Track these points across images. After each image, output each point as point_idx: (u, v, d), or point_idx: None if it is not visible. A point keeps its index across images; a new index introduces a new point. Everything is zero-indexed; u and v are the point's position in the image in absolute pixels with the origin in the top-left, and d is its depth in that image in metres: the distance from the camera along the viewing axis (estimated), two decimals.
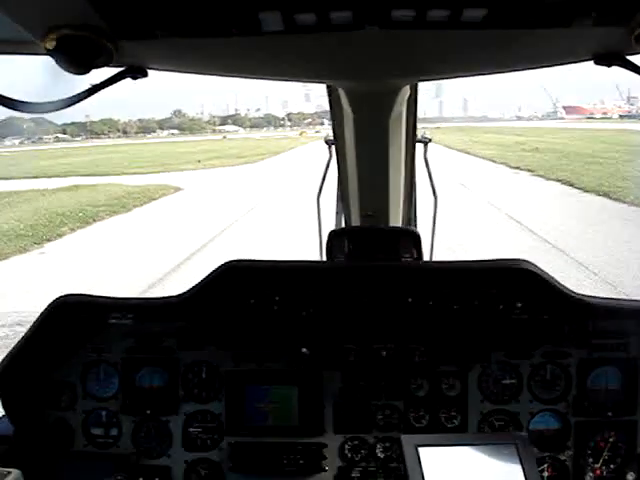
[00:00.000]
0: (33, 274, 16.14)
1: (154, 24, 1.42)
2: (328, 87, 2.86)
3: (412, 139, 3.43)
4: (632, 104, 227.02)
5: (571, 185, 29.65)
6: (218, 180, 40.40)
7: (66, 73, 1.52)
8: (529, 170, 37.54)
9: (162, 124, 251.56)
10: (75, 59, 1.49)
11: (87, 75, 1.58)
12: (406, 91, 2.59)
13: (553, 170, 35.54)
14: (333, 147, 3.66)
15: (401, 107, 2.74)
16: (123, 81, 1.77)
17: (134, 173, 47.21)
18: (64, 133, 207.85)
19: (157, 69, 1.83)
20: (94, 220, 25.15)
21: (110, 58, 1.54)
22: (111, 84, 1.75)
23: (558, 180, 31.85)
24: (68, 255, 18.61)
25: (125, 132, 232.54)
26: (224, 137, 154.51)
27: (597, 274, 13.65)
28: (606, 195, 25.53)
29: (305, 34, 1.50)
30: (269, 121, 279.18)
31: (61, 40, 1.42)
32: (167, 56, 1.77)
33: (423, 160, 4.03)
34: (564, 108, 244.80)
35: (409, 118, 3.09)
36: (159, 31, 1.45)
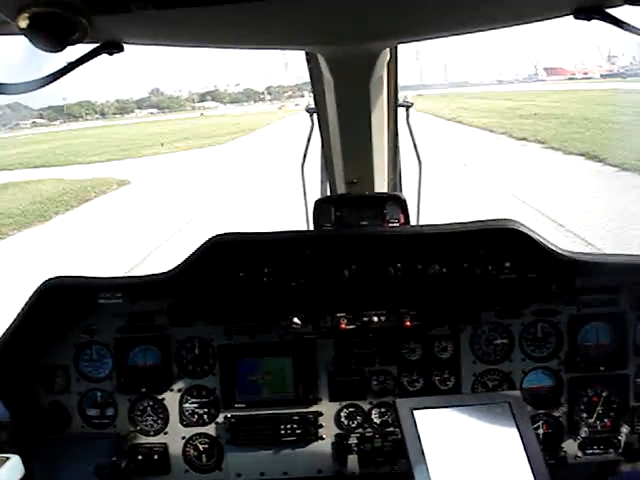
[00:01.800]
0: None
1: None
2: (307, 54, 2.78)
3: (394, 104, 3.35)
4: (613, 63, 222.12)
5: (600, 160, 23.08)
6: (176, 167, 34.82)
7: (41, 52, 1.45)
8: (539, 141, 31.00)
9: (140, 103, 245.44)
10: (49, 37, 1.42)
11: (63, 53, 1.50)
12: (386, 55, 2.42)
13: (567, 140, 29.23)
14: (315, 116, 3.59)
15: (381, 71, 2.62)
16: (101, 62, 1.74)
17: (88, 162, 42.63)
18: (41, 118, 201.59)
19: (133, 43, 1.76)
20: None
21: (85, 34, 1.46)
22: (87, 60, 1.68)
23: (581, 154, 25.24)
24: None
25: (103, 114, 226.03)
26: (201, 114, 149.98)
27: None
28: None
29: (280, 0, 1.47)
30: (249, 95, 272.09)
31: (34, 18, 1.35)
32: (142, 30, 1.70)
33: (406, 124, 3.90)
34: (545, 70, 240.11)
35: (390, 82, 3.01)
36: (133, 4, 1.38)
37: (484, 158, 27.02)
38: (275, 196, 20.00)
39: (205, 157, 39.78)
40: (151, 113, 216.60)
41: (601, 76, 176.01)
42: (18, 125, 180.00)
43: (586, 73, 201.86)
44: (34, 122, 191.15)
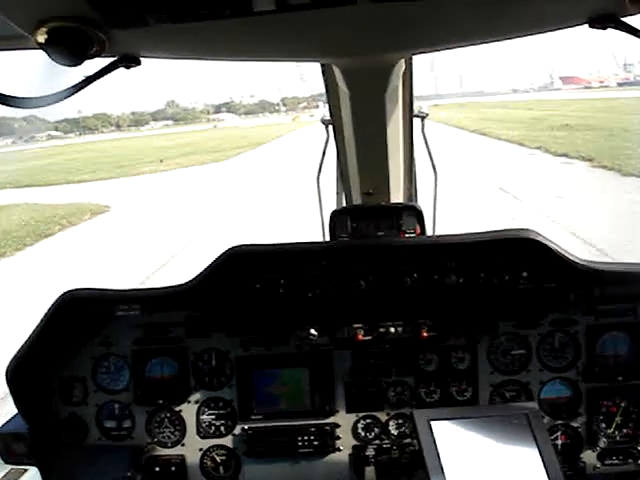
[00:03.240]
0: None
1: (145, 11, 1.38)
2: (322, 66, 2.85)
3: (409, 114, 3.37)
4: (629, 71, 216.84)
5: None
6: (171, 188, 30.50)
7: (59, 66, 1.47)
8: (584, 158, 26.08)
9: (156, 115, 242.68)
10: (67, 51, 1.44)
11: (80, 67, 1.54)
12: (401, 65, 2.48)
13: (618, 156, 24.40)
14: (330, 127, 3.60)
15: (397, 82, 2.67)
16: (117, 75, 1.75)
17: (79, 181, 39.04)
18: (56, 130, 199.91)
19: (151, 57, 1.78)
20: None
21: (102, 48, 1.50)
22: (105, 74, 1.70)
23: None
24: None
25: (118, 126, 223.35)
26: (214, 126, 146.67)
27: None
28: None
29: (297, 12, 1.46)
30: (264, 107, 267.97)
31: (52, 33, 1.38)
32: (160, 43, 1.71)
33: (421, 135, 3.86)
34: (561, 78, 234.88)
35: (405, 93, 3.05)
36: (151, 18, 1.40)
37: (522, 179, 22.24)
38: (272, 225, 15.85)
39: (205, 175, 35.52)
40: (166, 125, 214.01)
41: (618, 84, 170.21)
42: (34, 138, 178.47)
43: (602, 82, 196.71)
44: (49, 135, 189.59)
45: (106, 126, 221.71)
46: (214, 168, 39.92)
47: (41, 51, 1.43)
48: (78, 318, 2.91)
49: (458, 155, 29.02)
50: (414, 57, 2.70)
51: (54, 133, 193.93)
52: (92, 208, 24.85)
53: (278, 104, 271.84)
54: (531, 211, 16.42)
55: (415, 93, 3.26)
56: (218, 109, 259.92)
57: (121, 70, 1.72)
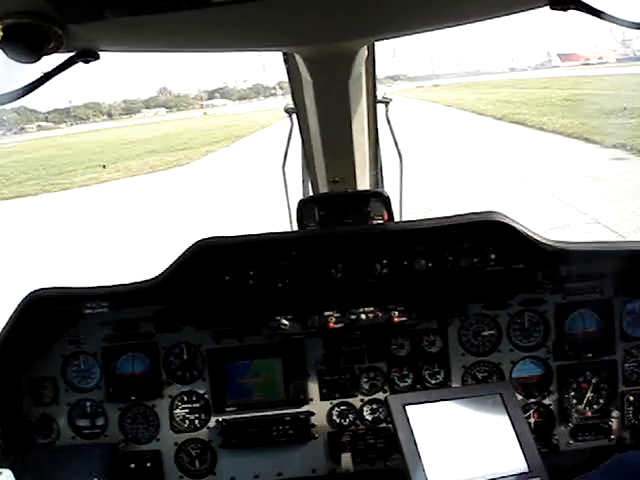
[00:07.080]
0: None
1: (102, 5, 1.33)
2: (284, 54, 2.70)
3: (373, 100, 3.21)
4: (627, 47, 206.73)
5: None
6: (87, 217, 20.79)
7: (14, 63, 1.41)
8: None
9: (148, 103, 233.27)
10: (24, 48, 1.38)
11: (39, 63, 1.47)
12: (363, 52, 2.36)
13: None
14: (294, 116, 3.44)
15: (360, 69, 2.56)
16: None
17: None
18: (46, 121, 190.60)
19: (110, 51, 1.72)
20: None
21: (60, 44, 1.44)
22: (63, 70, 1.62)
23: None
24: None
25: (110, 115, 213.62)
26: (204, 113, 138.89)
27: None
28: None
29: (255, 2, 1.42)
30: (258, 91, 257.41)
31: (8, 29, 1.32)
32: (119, 37, 1.66)
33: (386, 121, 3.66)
34: (559, 56, 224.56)
35: (368, 79, 2.88)
36: (108, 12, 1.34)
37: None
38: None
39: (149, 191, 25.68)
40: (157, 113, 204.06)
41: (617, 60, 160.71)
42: (24, 129, 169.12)
43: (601, 58, 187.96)
44: (39, 125, 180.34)
45: (97, 115, 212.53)
46: (167, 177, 30.22)
47: None
48: (45, 317, 2.79)
49: (506, 166, 18.64)
50: (376, 43, 2.52)
51: (44, 124, 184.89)
52: None
53: (274, 88, 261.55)
54: None
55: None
56: (212, 95, 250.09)
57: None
